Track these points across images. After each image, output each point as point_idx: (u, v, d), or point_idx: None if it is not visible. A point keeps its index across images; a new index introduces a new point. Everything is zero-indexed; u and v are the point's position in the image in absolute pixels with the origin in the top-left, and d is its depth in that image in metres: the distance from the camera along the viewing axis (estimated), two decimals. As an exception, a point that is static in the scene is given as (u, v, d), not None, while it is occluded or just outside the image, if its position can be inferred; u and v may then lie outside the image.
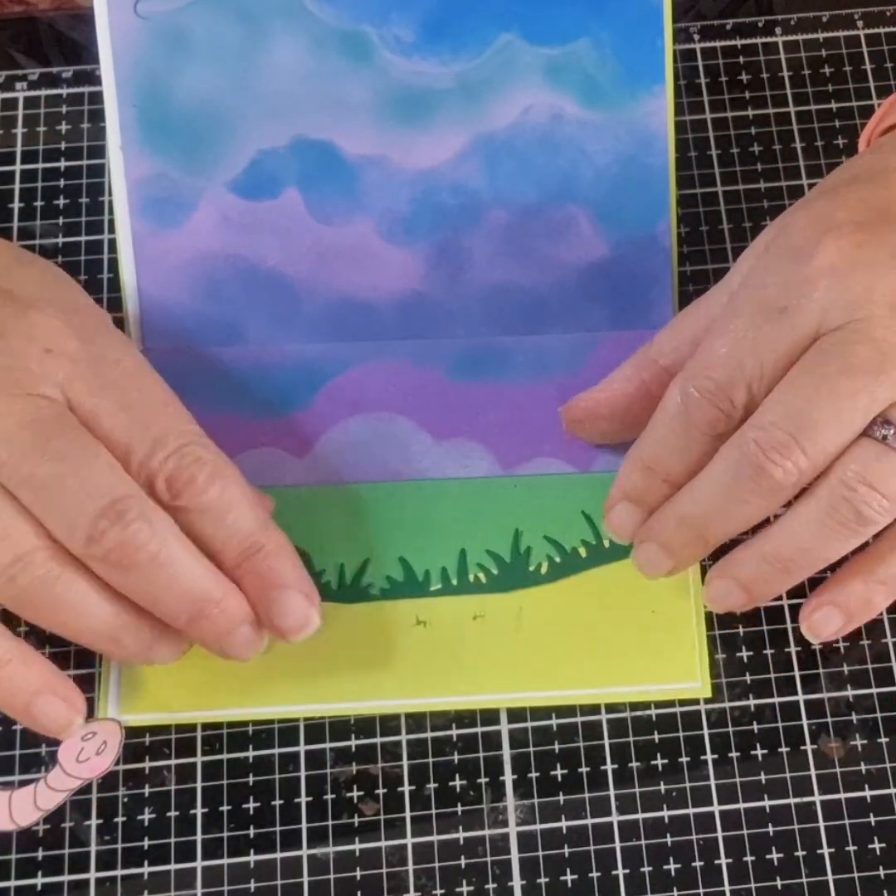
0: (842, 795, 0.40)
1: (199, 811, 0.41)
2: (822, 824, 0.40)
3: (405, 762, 0.41)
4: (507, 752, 0.41)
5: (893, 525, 0.37)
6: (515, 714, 0.42)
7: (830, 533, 0.36)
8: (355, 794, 0.41)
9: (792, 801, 0.41)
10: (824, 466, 0.36)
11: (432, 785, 0.41)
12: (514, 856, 0.40)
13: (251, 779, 0.41)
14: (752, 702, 0.42)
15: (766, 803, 0.40)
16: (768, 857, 0.40)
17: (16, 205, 0.49)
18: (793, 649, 0.42)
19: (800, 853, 0.40)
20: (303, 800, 0.41)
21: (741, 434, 0.37)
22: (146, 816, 0.41)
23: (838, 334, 0.35)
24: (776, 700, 0.41)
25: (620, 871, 0.40)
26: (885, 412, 0.35)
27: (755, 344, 0.36)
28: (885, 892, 0.39)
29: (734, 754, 0.41)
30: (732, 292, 0.39)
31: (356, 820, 0.41)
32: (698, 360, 0.38)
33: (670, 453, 0.38)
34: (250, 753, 0.41)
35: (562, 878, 0.40)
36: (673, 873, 0.40)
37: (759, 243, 0.40)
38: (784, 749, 0.41)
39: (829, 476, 0.36)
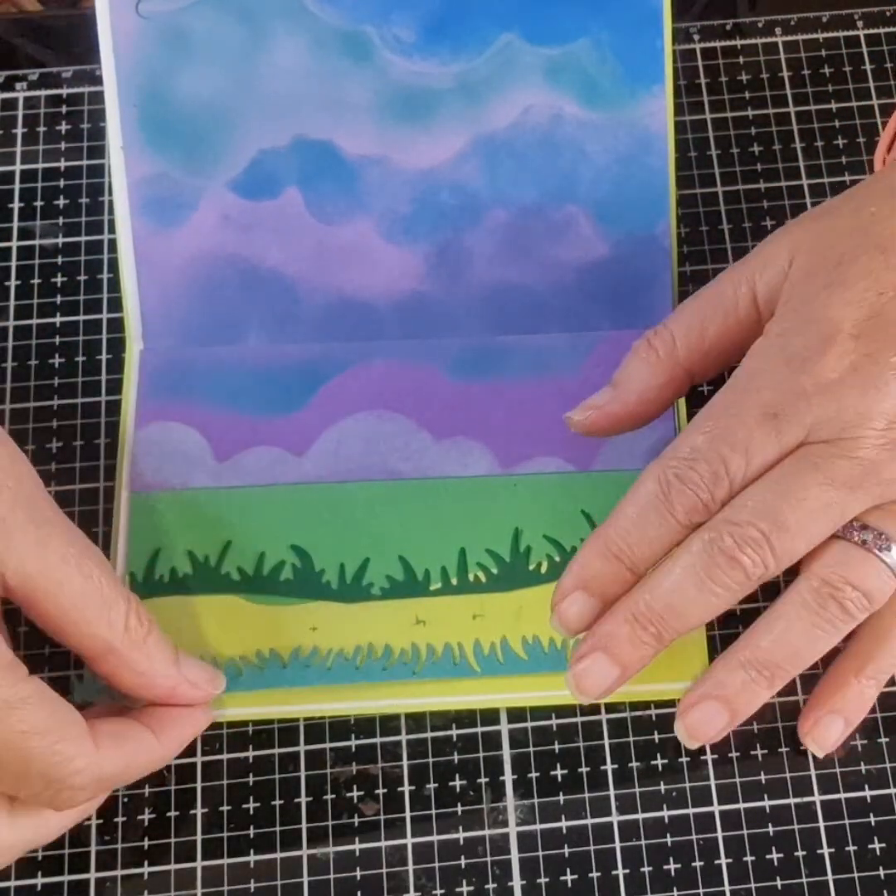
0: (842, 795, 0.40)
1: (199, 811, 0.41)
2: (822, 824, 0.40)
3: (405, 762, 0.41)
4: (507, 752, 0.41)
5: (865, 623, 0.38)
6: (515, 714, 0.42)
7: (819, 632, 0.37)
8: (355, 794, 0.41)
9: (792, 801, 0.40)
10: (786, 567, 0.37)
11: (432, 785, 0.41)
12: (514, 856, 0.40)
13: (251, 779, 0.41)
14: (752, 701, 0.41)
15: (766, 803, 0.40)
16: (768, 857, 0.40)
17: (16, 205, 0.49)
18: (793, 649, 0.42)
19: (800, 853, 0.40)
20: (303, 800, 0.41)
21: (713, 527, 0.37)
22: (146, 816, 0.41)
23: (824, 447, 0.36)
24: (776, 700, 0.41)
25: (620, 871, 0.40)
26: (861, 517, 0.37)
27: (746, 445, 0.37)
28: (885, 892, 0.39)
29: (734, 754, 0.41)
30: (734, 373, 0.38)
31: (356, 820, 0.41)
32: (681, 449, 0.37)
33: (641, 541, 0.38)
34: (250, 753, 0.41)
35: (562, 878, 0.40)
36: (673, 873, 0.40)
37: (768, 263, 0.39)
38: (784, 749, 0.41)
39: (810, 577, 0.37)
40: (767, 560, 0.36)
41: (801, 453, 0.37)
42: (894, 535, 0.37)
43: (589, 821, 0.40)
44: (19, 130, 0.50)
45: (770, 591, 0.43)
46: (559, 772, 0.41)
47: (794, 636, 0.37)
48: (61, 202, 0.49)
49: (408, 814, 0.41)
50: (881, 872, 0.40)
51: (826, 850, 0.40)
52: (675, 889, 0.40)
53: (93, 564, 0.37)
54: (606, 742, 0.41)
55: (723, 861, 0.40)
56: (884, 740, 0.41)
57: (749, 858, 0.40)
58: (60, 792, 0.35)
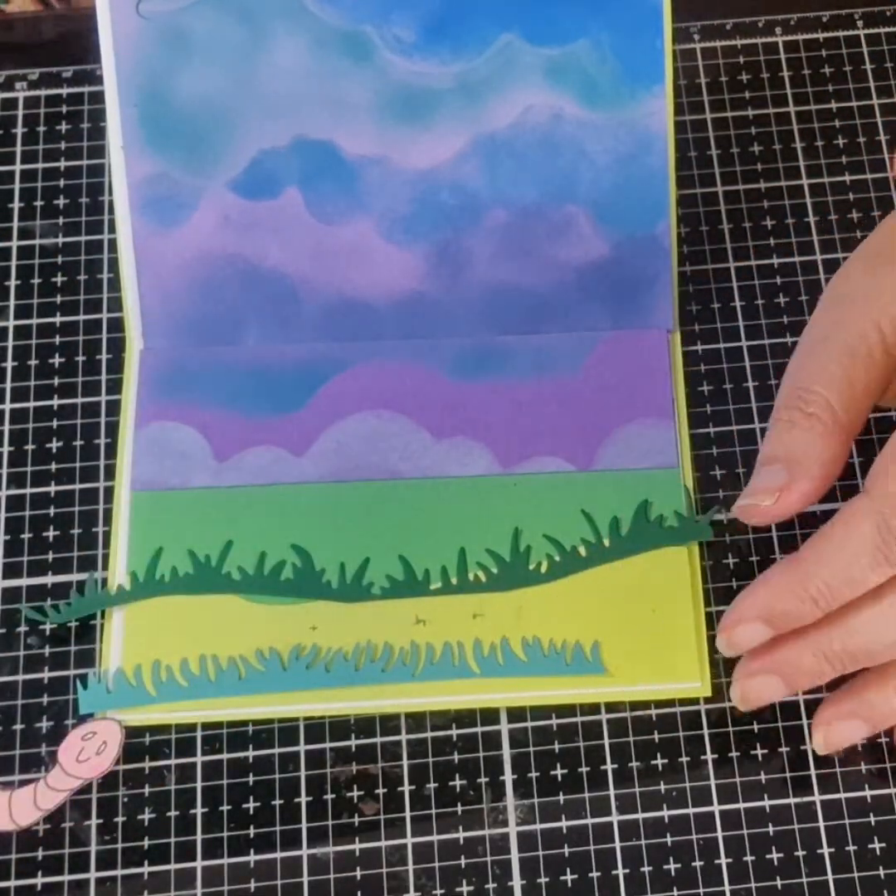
0: (842, 795, 0.40)
1: (199, 811, 0.41)
2: (822, 824, 0.40)
3: (405, 762, 0.41)
4: (507, 752, 0.41)
5: None
6: (515, 714, 0.42)
7: None
8: (355, 793, 0.41)
9: (792, 801, 0.40)
10: None
11: (432, 785, 0.41)
12: (514, 856, 0.40)
13: (251, 779, 0.41)
14: (752, 701, 0.41)
15: (766, 803, 0.40)
16: (768, 857, 0.40)
17: (16, 205, 0.49)
18: (793, 649, 0.42)
19: (800, 853, 0.40)
20: (303, 800, 0.41)
21: None
22: (146, 816, 0.41)
23: None
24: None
25: (620, 871, 0.40)
26: None
27: None
28: (885, 892, 0.39)
29: (734, 754, 0.41)
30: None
31: (356, 820, 0.41)
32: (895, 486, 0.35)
33: (845, 585, 0.35)
34: (250, 753, 0.41)
35: (562, 878, 0.40)
36: (673, 873, 0.40)
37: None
38: (784, 749, 0.41)
39: None
40: None
41: None
42: None
43: (589, 820, 0.40)
44: (19, 130, 0.50)
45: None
46: (559, 771, 0.41)
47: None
48: (61, 202, 0.49)
49: (408, 814, 0.40)
50: (881, 872, 0.40)
51: (826, 850, 0.40)
52: (675, 889, 0.39)
53: None
54: (606, 742, 0.41)
55: (723, 861, 0.40)
56: (884, 740, 0.41)
57: (749, 858, 0.40)
58: None
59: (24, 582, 0.43)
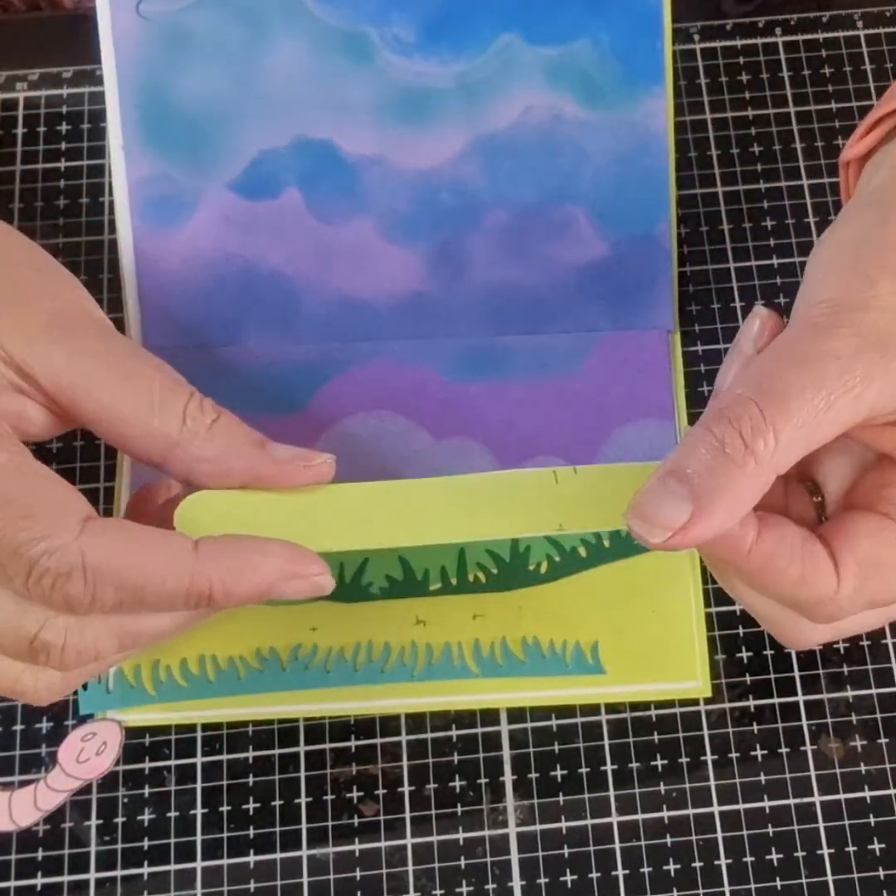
0: (842, 796, 0.40)
1: (198, 811, 0.41)
2: (821, 825, 0.40)
3: (405, 763, 0.41)
4: (506, 753, 0.41)
5: None
6: (515, 714, 0.42)
7: None
8: (355, 794, 0.41)
9: (792, 801, 0.40)
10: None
11: (432, 785, 0.41)
12: (514, 856, 0.40)
13: (251, 779, 0.41)
14: (752, 702, 0.41)
15: (766, 804, 0.40)
16: (768, 857, 0.40)
17: (16, 205, 0.49)
18: (793, 650, 0.42)
19: (800, 854, 0.40)
20: (303, 800, 0.41)
21: None
22: (146, 816, 0.41)
23: None
24: (776, 700, 0.41)
25: (620, 872, 0.40)
26: None
27: None
28: (884, 892, 0.39)
29: (734, 755, 0.41)
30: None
31: (356, 820, 0.41)
32: None
33: None
34: (250, 754, 0.41)
35: (562, 878, 0.40)
36: (673, 874, 0.40)
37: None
38: (784, 750, 0.41)
39: None
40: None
41: None
42: None
43: (589, 821, 0.40)
44: (19, 130, 0.50)
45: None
46: (559, 772, 0.41)
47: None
48: (61, 202, 0.49)
49: (408, 814, 0.41)
50: (881, 873, 0.40)
51: (826, 851, 0.40)
52: (674, 890, 0.40)
53: (138, 363, 0.34)
54: (606, 743, 0.41)
55: (722, 862, 0.40)
56: (884, 741, 0.41)
57: (749, 859, 0.40)
58: (39, 579, 0.31)
59: (24, 582, 0.43)
